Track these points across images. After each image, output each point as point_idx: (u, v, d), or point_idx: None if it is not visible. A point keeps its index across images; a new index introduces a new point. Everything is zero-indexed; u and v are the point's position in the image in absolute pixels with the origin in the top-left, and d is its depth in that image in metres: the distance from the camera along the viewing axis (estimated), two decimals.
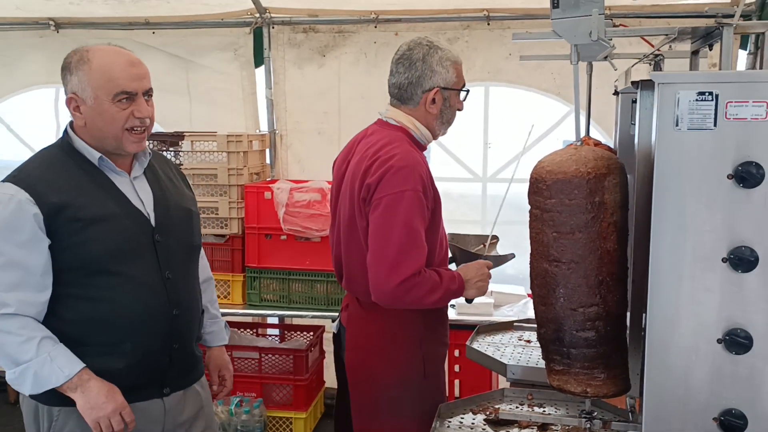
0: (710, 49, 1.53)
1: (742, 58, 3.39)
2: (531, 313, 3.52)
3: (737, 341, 1.35)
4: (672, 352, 1.39)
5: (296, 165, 4.15)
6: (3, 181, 1.84)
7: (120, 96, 1.84)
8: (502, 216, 3.06)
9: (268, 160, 4.14)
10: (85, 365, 1.80)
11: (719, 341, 1.36)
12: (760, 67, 3.01)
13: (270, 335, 4.09)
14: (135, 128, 1.87)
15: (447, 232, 2.38)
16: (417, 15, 3.80)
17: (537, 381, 2.28)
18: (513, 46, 3.70)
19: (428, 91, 2.18)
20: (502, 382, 3.82)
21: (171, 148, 3.65)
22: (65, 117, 4.75)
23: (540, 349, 2.55)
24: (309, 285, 3.60)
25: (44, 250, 1.80)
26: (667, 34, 1.53)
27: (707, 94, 1.30)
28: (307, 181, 3.60)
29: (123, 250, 1.86)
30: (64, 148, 1.92)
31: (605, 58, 1.81)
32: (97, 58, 1.84)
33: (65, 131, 1.95)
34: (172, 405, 1.97)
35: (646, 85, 1.60)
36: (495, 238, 2.53)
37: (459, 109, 2.30)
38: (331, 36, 3.99)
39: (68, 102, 1.88)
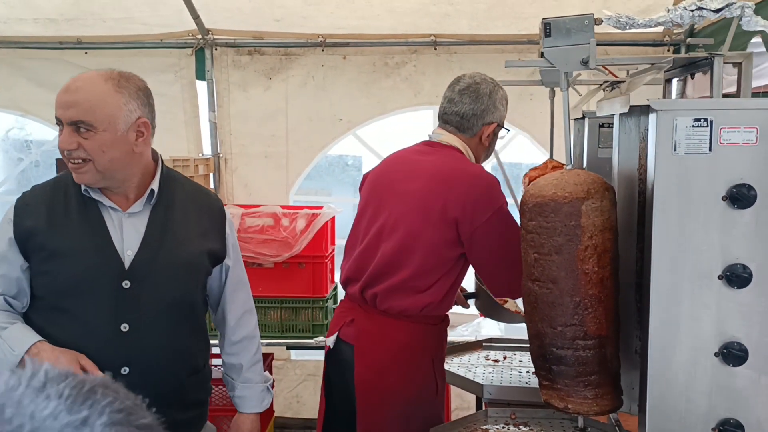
0: (692, 78, 1.62)
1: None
2: (485, 332, 3.60)
3: (734, 354, 1.41)
4: (672, 367, 1.45)
5: (242, 189, 4.06)
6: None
7: (57, 121, 1.71)
8: None
9: (212, 185, 4.03)
10: (39, 339, 1.71)
11: (716, 354, 1.43)
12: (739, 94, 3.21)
13: (216, 365, 3.94)
14: (67, 158, 1.73)
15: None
16: (365, 39, 3.82)
17: (513, 400, 2.32)
18: (460, 71, 3.76)
19: (488, 125, 2.28)
20: (459, 404, 3.87)
21: None
22: None
23: (510, 369, 2.61)
24: (262, 312, 3.49)
25: (16, 264, 1.77)
26: (653, 63, 1.61)
27: (703, 120, 1.38)
28: (258, 206, 3.52)
29: (76, 290, 1.74)
30: None
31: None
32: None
33: None
34: None
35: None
36: None
37: None
38: (278, 59, 3.94)
39: None
